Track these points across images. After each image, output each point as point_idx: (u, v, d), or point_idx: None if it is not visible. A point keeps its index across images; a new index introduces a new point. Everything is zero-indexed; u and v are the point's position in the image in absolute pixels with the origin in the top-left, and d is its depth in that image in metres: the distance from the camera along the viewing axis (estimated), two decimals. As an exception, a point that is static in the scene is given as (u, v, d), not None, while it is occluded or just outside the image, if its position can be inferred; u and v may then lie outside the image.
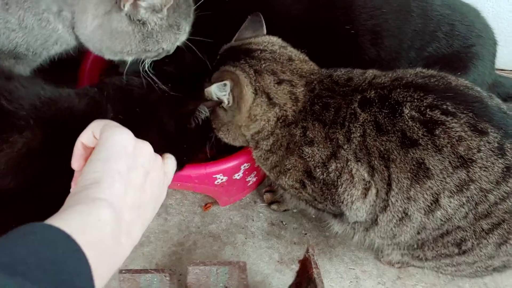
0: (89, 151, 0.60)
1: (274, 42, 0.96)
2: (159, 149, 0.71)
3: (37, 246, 0.43)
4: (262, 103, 0.90)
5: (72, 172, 0.63)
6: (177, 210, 1.13)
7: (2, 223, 0.73)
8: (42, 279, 0.40)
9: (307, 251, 0.87)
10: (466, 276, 1.09)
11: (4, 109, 0.73)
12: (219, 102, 0.90)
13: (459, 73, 1.10)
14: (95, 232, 0.49)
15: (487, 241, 0.89)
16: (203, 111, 0.89)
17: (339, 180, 0.88)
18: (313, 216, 1.17)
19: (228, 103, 0.90)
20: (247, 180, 1.12)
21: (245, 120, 0.91)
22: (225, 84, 0.87)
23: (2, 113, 0.73)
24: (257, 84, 0.90)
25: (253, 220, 1.15)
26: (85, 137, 0.60)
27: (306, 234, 1.15)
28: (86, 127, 0.61)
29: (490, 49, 1.23)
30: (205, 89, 0.89)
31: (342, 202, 0.90)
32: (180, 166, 0.89)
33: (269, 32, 1.00)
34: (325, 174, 0.89)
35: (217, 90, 0.88)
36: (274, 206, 1.16)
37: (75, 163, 0.61)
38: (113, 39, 0.84)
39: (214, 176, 1.03)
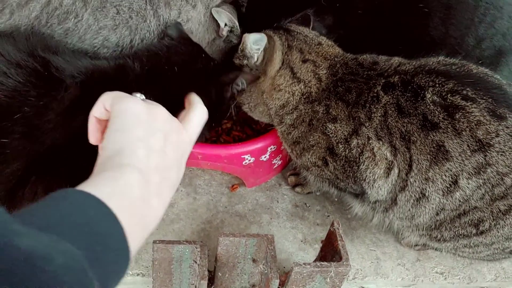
0: (104, 124, 0.61)
1: (311, 31, 1.04)
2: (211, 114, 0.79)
3: (69, 211, 0.45)
4: (285, 75, 0.97)
5: None
6: (205, 190, 1.18)
7: (55, 178, 0.80)
8: (76, 239, 0.41)
9: (332, 225, 0.92)
10: (483, 259, 1.12)
11: (54, 77, 0.81)
12: (257, 77, 0.97)
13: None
14: (125, 195, 0.50)
15: (504, 222, 0.93)
16: (240, 83, 0.95)
17: (361, 157, 0.93)
18: (336, 199, 1.21)
19: (257, 61, 0.96)
20: (273, 162, 1.17)
21: (268, 87, 0.98)
22: (261, 39, 0.94)
23: (52, 80, 0.81)
24: (286, 56, 0.97)
25: (278, 202, 1.20)
26: (97, 111, 0.61)
27: (328, 216, 1.19)
28: (98, 99, 0.62)
29: None
30: (243, 35, 0.96)
31: (364, 180, 0.94)
32: (208, 131, 0.98)
33: (344, 11, 1.12)
34: (347, 150, 0.93)
35: (253, 41, 0.95)
36: (298, 189, 1.21)
37: (92, 138, 0.63)
38: (214, 54, 1.12)
39: (242, 156, 1.08)
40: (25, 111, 0.76)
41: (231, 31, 1.13)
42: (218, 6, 1.09)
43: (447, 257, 1.16)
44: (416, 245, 1.14)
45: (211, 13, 1.09)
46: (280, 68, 0.98)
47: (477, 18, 1.19)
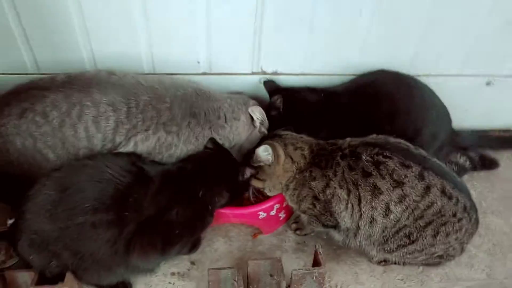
0: None
1: (292, 132, 1.66)
2: (231, 191, 1.42)
3: None
4: (288, 161, 1.56)
5: (181, 202, 1.38)
6: (237, 238, 1.76)
7: (150, 235, 1.39)
8: None
9: (316, 246, 1.50)
10: (422, 263, 1.62)
11: (146, 176, 1.44)
12: (256, 172, 1.59)
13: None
14: None
15: (425, 233, 1.46)
16: (249, 173, 1.57)
17: (332, 200, 1.50)
18: (324, 237, 1.78)
19: (271, 160, 1.54)
20: (279, 215, 1.76)
21: (281, 171, 1.57)
22: (266, 148, 1.52)
23: (145, 178, 1.43)
24: (285, 150, 1.56)
25: (286, 242, 1.77)
26: None
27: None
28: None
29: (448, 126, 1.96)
30: (255, 150, 1.54)
31: (335, 212, 1.51)
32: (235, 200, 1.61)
33: (329, 111, 1.84)
34: (324, 196, 1.51)
35: (262, 151, 1.53)
36: (298, 232, 1.78)
37: None
38: (251, 143, 1.78)
39: (258, 213, 1.68)
40: (134, 196, 1.38)
41: (262, 123, 1.80)
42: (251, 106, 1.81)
43: (405, 268, 1.68)
44: (381, 261, 1.68)
45: (249, 115, 1.79)
46: (285, 158, 1.58)
47: (413, 117, 1.84)
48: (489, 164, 2.06)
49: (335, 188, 1.50)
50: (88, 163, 1.42)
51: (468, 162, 1.96)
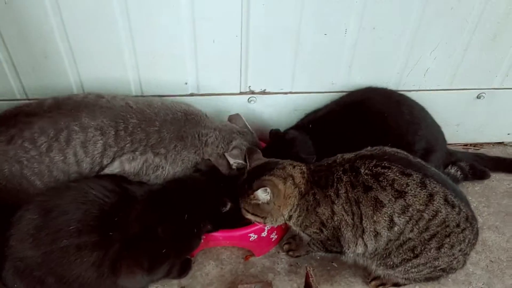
0: None
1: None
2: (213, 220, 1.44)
3: None
4: (291, 184, 1.48)
5: (165, 221, 1.35)
6: (228, 261, 1.73)
7: (136, 256, 1.36)
8: None
9: (306, 268, 1.46)
10: (426, 278, 1.55)
11: (131, 196, 1.43)
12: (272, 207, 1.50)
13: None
14: None
15: (430, 246, 1.41)
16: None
17: (340, 224, 1.45)
18: (318, 258, 1.74)
19: (270, 199, 1.46)
20: (271, 237, 1.72)
21: (282, 201, 1.48)
22: (266, 189, 1.44)
23: (130, 198, 1.43)
24: (284, 173, 1.48)
25: (278, 264, 1.73)
26: None
27: (314, 270, 1.71)
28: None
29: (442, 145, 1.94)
30: (254, 193, 1.45)
31: (342, 236, 1.46)
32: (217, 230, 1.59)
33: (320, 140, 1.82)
34: (332, 223, 1.46)
35: (261, 194, 1.45)
36: (291, 253, 1.74)
37: None
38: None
39: (248, 235, 1.65)
40: (119, 215, 1.37)
41: (238, 166, 1.73)
42: (231, 149, 1.76)
43: (405, 289, 1.65)
44: (378, 286, 1.63)
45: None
46: (285, 184, 1.47)
47: (404, 131, 1.82)
48: (480, 174, 2.04)
49: (342, 215, 1.44)
50: (71, 185, 1.41)
51: (459, 172, 1.95)
